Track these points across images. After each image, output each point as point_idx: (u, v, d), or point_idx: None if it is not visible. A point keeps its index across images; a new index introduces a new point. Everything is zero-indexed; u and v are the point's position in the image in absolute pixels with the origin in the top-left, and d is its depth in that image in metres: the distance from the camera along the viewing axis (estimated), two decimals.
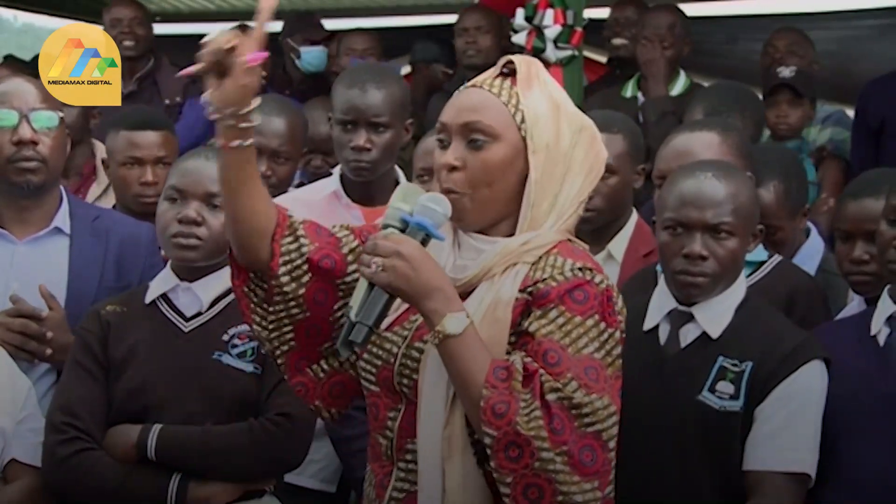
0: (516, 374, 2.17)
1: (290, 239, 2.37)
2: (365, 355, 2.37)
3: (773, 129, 4.98)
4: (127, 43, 5.66)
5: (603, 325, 2.24)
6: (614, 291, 2.29)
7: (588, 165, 2.36)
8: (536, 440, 2.14)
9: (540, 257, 2.29)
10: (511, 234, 2.32)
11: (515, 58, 2.37)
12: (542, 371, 2.18)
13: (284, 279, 2.35)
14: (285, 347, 2.43)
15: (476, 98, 2.32)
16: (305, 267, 2.36)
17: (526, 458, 2.15)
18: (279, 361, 2.45)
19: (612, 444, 2.22)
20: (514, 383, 2.16)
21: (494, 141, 2.29)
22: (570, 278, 2.25)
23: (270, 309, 2.39)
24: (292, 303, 2.38)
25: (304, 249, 2.36)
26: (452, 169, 2.29)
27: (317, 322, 2.41)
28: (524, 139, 2.30)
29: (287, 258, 2.36)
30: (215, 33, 2.28)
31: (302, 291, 2.37)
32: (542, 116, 2.31)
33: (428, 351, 2.27)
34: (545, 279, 2.25)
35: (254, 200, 2.34)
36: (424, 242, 2.24)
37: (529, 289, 2.26)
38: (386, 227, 2.27)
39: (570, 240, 2.34)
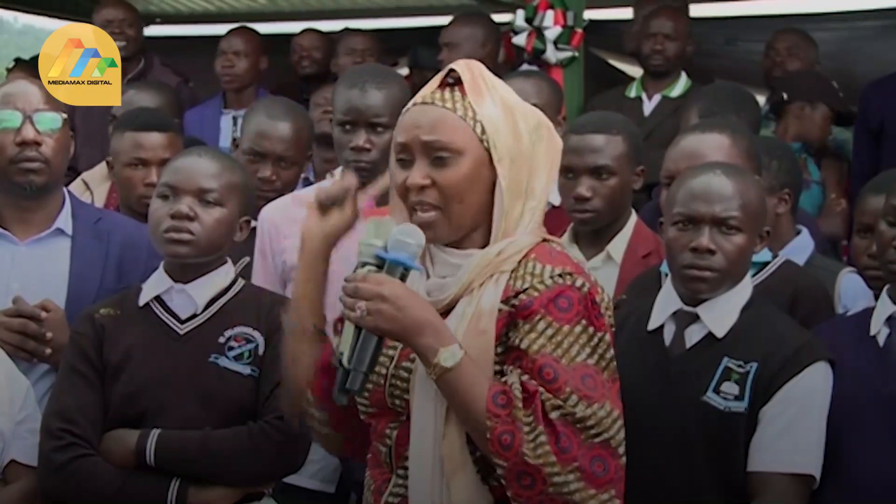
0: (515, 401, 2.17)
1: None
2: None
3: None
4: (118, 43, 5.66)
5: (591, 329, 2.24)
6: (597, 292, 2.28)
7: (549, 159, 2.36)
8: (546, 467, 2.15)
9: (519, 263, 2.28)
10: (485, 243, 2.32)
11: (457, 66, 2.35)
12: (541, 390, 2.18)
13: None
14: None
15: (432, 115, 2.30)
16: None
17: (539, 485, 2.16)
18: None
19: (621, 449, 2.22)
20: (515, 411, 2.16)
21: (459, 156, 2.28)
22: (550, 286, 2.24)
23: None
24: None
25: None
26: (422, 188, 2.29)
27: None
28: (487, 150, 2.29)
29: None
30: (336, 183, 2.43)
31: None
32: (499, 123, 2.30)
33: (415, 370, 2.27)
34: (526, 289, 2.25)
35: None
36: (403, 277, 2.23)
37: (512, 301, 2.25)
38: (362, 265, 2.26)
39: (545, 239, 2.34)
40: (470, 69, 2.34)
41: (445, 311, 2.27)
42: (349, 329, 2.22)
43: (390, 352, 2.33)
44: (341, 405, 2.30)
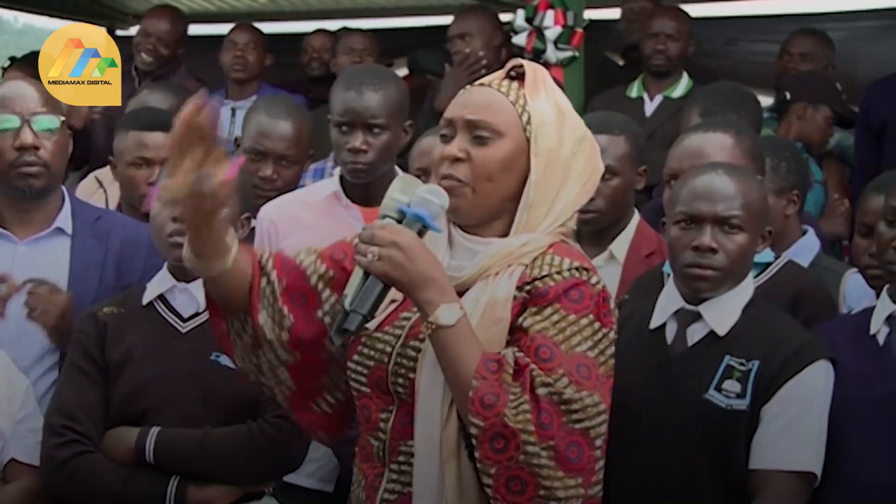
0: (507, 367, 2.18)
1: (264, 281, 2.38)
2: (355, 356, 2.36)
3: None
4: (145, 57, 5.74)
5: (597, 324, 2.26)
6: (608, 294, 2.31)
7: (587, 175, 2.38)
8: (523, 433, 2.15)
9: (536, 257, 2.30)
10: (504, 234, 2.33)
11: (525, 62, 2.39)
12: (533, 366, 2.19)
13: (266, 325, 2.37)
14: (285, 389, 2.45)
15: (484, 96, 2.35)
16: (284, 309, 2.37)
17: (511, 451, 2.15)
18: (281, 401, 2.47)
19: (598, 441, 2.23)
20: (504, 375, 2.17)
21: (499, 138, 2.31)
22: (567, 278, 2.27)
23: (261, 354, 2.40)
24: (280, 348, 2.39)
25: (277, 290, 2.37)
26: (456, 160, 2.31)
27: (309, 361, 2.41)
28: (528, 140, 2.32)
29: (264, 303, 2.37)
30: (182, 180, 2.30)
31: (286, 337, 2.38)
32: (547, 120, 2.33)
33: (425, 351, 2.27)
34: (543, 277, 2.27)
35: (238, 277, 2.36)
36: (421, 234, 2.26)
37: (528, 287, 2.27)
38: (383, 217, 2.28)
39: (563, 240, 2.36)
40: (534, 69, 2.39)
41: (457, 293, 2.27)
42: (357, 274, 2.25)
43: (397, 331, 2.34)
44: (338, 347, 2.31)
